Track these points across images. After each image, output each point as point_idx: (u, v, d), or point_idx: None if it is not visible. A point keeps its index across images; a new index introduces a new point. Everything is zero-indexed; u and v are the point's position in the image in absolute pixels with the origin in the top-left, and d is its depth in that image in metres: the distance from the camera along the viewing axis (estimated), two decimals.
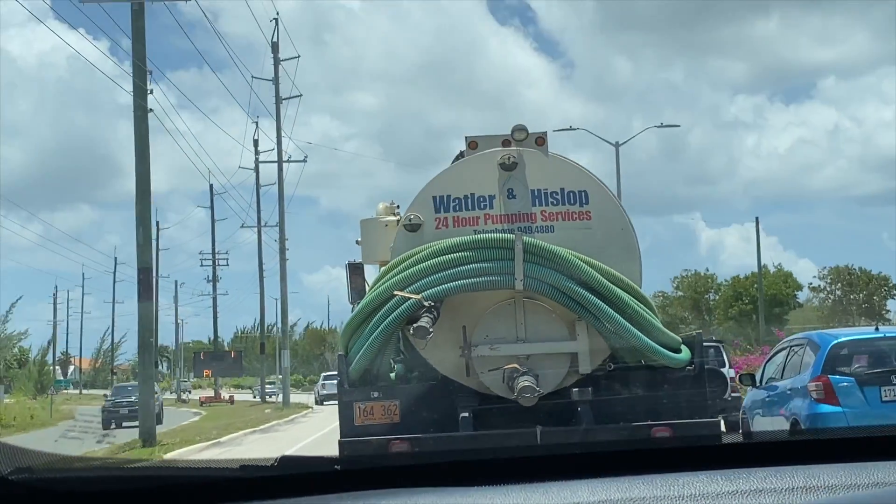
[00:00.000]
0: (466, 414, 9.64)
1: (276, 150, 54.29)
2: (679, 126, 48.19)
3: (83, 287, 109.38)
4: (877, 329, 15.52)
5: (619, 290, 9.72)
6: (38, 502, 1.87)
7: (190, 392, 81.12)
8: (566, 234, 9.96)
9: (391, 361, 10.22)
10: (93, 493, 1.94)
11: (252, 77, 51.98)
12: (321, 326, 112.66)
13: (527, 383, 9.29)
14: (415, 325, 9.34)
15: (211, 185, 71.63)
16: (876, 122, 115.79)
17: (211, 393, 70.42)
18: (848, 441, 2.28)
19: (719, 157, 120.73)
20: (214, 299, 74.48)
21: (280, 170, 53.50)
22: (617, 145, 42.42)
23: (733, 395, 22.17)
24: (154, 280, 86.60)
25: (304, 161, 56.35)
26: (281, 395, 63.17)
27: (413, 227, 10.08)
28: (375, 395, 9.83)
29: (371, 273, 12.26)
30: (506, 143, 10.27)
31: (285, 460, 2.07)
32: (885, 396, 13.25)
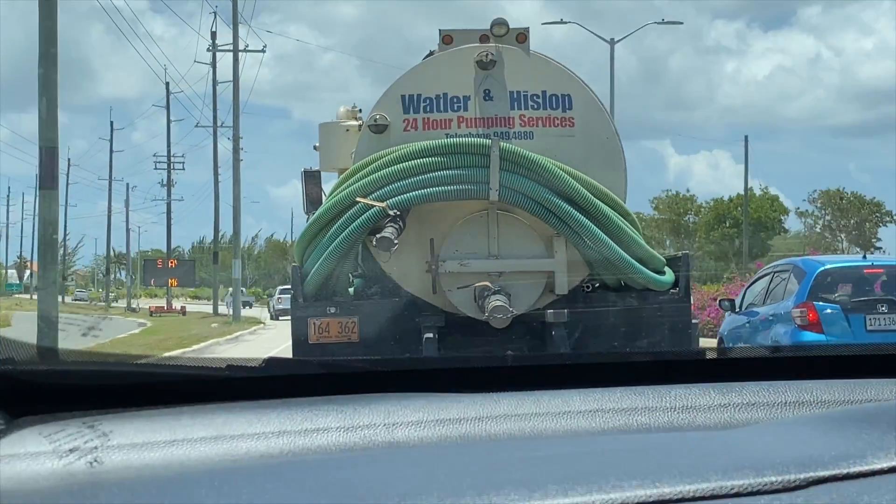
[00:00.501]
0: (431, 335, 8.87)
1: (233, 39, 49.57)
2: (682, 23, 44.09)
3: (36, 189, 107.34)
4: (864, 257, 15.18)
5: (602, 205, 8.90)
6: (20, 395, 1.84)
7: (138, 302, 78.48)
8: (547, 142, 9.09)
9: (350, 276, 9.39)
10: (77, 387, 1.94)
11: None
12: (284, 239, 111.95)
13: (499, 303, 8.50)
14: (378, 235, 8.52)
15: (167, 84, 66.22)
16: (855, 52, 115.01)
17: (163, 303, 67.77)
18: (840, 358, 2.26)
19: (697, 82, 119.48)
20: (168, 205, 71.33)
21: (235, 59, 47.78)
22: (612, 42, 38.59)
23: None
24: (109, 182, 79.79)
25: (263, 51, 52.52)
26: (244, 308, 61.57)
27: (379, 129, 9.17)
28: (332, 310, 9.02)
29: (329, 181, 11.41)
30: (484, 38, 9.34)
31: (272, 361, 2.08)
32: (871, 325, 12.91)
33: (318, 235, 9.06)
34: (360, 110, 11.33)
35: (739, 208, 65.99)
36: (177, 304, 66.57)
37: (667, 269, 9.42)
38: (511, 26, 9.37)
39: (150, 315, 58.92)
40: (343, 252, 8.87)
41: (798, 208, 75.56)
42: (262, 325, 45.01)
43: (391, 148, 8.99)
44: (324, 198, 10.95)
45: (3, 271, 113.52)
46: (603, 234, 8.77)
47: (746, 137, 56.43)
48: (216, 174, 60.02)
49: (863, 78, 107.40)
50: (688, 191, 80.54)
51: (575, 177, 8.85)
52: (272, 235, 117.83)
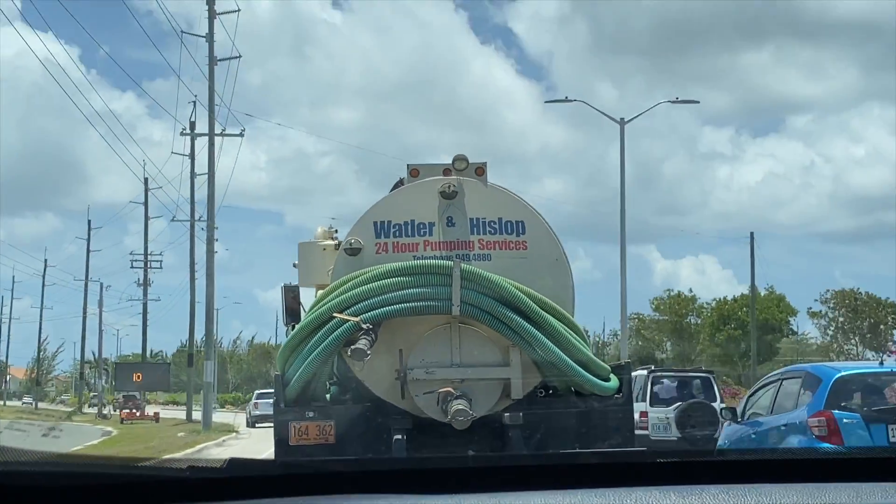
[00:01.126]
0: (400, 436, 9.85)
1: (211, 125, 44.26)
2: (698, 102, 41.35)
3: (12, 291, 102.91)
4: (881, 363, 14.48)
5: (551, 318, 10.00)
6: None
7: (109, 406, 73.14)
8: (503, 263, 10.24)
9: (327, 383, 10.42)
10: (44, 488, 1.93)
11: (182, 32, 43.06)
12: (268, 342, 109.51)
13: (460, 407, 9.53)
14: (353, 346, 9.55)
15: (146, 179, 61.89)
16: (846, 160, 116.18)
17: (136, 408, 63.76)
18: (795, 462, 2.22)
19: (690, 187, 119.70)
20: (144, 305, 67.99)
21: (211, 143, 43.14)
22: (622, 122, 36.19)
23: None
24: (85, 283, 76.34)
25: (241, 135, 47.20)
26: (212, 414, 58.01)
27: (353, 252, 10.31)
28: (311, 414, 10.02)
29: (307, 296, 12.47)
30: (447, 171, 10.55)
31: (234, 462, 2.08)
32: (893, 436, 12.25)
33: (299, 346, 10.13)
34: (336, 231, 12.47)
35: (745, 309, 63.26)
36: (152, 410, 63.58)
37: (612, 375, 10.49)
38: (471, 161, 10.60)
39: (121, 422, 55.18)
40: (321, 361, 9.93)
41: (810, 308, 70.60)
42: (234, 433, 41.40)
43: (364, 269, 10.13)
44: (302, 311, 12.03)
45: None
46: (551, 344, 9.87)
47: (752, 234, 54.77)
48: (192, 269, 56.64)
49: (854, 185, 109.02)
50: (690, 291, 75.91)
51: (527, 293, 9.98)
52: (253, 338, 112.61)
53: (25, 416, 65.76)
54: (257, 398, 50.13)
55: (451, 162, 10.54)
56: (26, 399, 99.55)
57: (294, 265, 12.67)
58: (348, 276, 10.14)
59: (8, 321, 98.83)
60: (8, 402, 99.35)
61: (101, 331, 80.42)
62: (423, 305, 9.90)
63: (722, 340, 66.51)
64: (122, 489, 1.96)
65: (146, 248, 66.96)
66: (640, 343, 74.68)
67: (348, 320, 9.77)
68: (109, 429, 49.56)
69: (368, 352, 9.51)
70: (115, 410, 66.48)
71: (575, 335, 10.19)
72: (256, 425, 45.88)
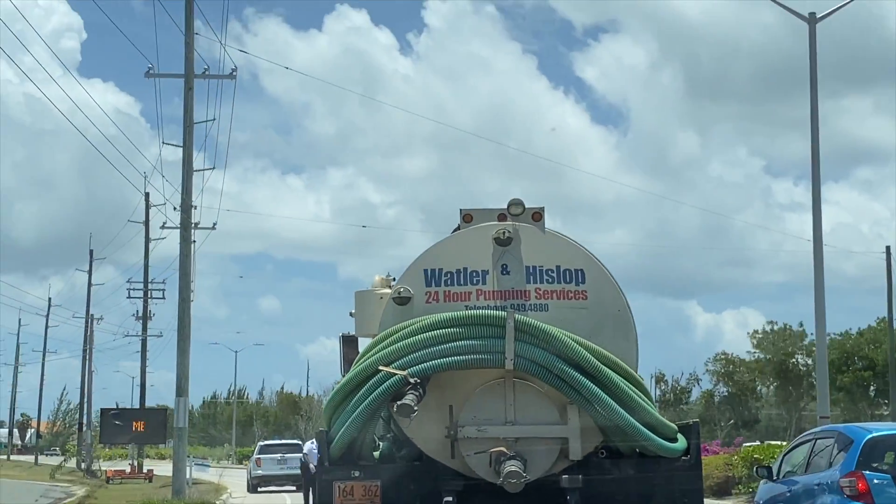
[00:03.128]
0: (450, 498, 9.25)
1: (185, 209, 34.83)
2: None
3: (18, 337, 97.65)
4: None
5: (613, 374, 9.37)
6: None
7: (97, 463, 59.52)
8: (561, 314, 9.64)
9: (375, 439, 9.81)
10: None
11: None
12: (300, 393, 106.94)
13: (514, 468, 8.91)
14: (399, 402, 8.96)
15: (146, 194, 51.96)
16: None
17: (127, 465, 52.81)
18: None
19: (760, 240, 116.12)
20: (144, 342, 56.64)
21: (187, 238, 31.67)
22: (812, 20, 28.63)
23: None
24: (86, 319, 64.00)
25: (213, 228, 39.59)
26: (214, 472, 47.81)
27: (402, 301, 9.74)
28: (356, 474, 9.44)
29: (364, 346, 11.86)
30: (501, 217, 9.99)
31: None
32: None
33: (344, 401, 9.54)
34: (394, 279, 11.91)
35: (872, 345, 55.16)
36: (153, 466, 53.14)
37: (679, 435, 9.83)
38: (528, 205, 10.02)
39: (107, 481, 44.60)
40: (366, 418, 9.34)
41: None
42: (222, 501, 30.59)
43: (413, 319, 9.53)
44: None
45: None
46: (613, 402, 9.21)
47: (888, 248, 45.38)
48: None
49: None
50: (801, 325, 62.55)
51: (586, 347, 9.35)
52: (282, 387, 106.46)
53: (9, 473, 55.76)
54: (260, 452, 38.95)
55: (506, 206, 9.96)
56: (48, 453, 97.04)
57: (351, 314, 12.13)
58: (396, 326, 9.57)
59: (40, 376, 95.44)
60: (13, 458, 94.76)
61: (87, 370, 65.74)
62: (474, 359, 9.30)
63: (847, 382, 56.09)
64: None
65: (146, 276, 54.79)
66: (732, 389, 65.88)
67: (395, 374, 9.17)
68: (75, 490, 39.72)
69: (416, 407, 8.91)
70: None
71: (639, 393, 9.52)
72: (259, 489, 36.27)
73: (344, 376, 12.08)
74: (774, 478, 14.70)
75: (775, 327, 62.89)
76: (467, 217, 10.14)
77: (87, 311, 65.14)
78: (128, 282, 56.94)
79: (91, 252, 66.35)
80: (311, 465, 23.34)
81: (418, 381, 9.16)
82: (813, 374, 55.85)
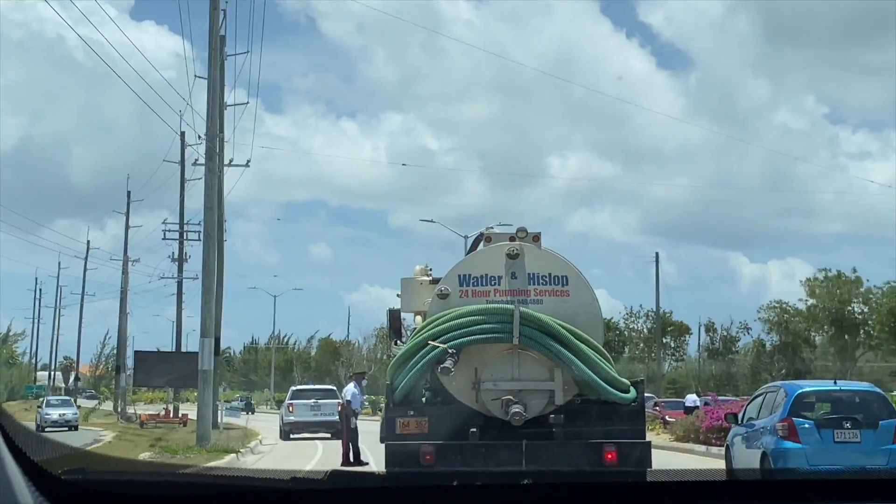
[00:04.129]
0: (475, 429, 13.82)
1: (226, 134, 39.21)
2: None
3: (58, 279, 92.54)
4: (835, 382, 19.32)
5: (584, 347, 13.92)
6: (88, 502, 1.87)
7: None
8: (551, 306, 14.17)
9: (423, 390, 14.43)
10: (144, 497, 1.96)
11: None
12: (342, 338, 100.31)
13: (517, 409, 13.47)
14: (442, 365, 13.53)
15: (182, 133, 52.91)
16: None
17: (161, 409, 52.53)
18: (813, 483, 2.49)
19: (823, 188, 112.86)
20: (179, 284, 55.30)
21: (220, 168, 34.96)
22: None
23: None
24: (124, 261, 63.41)
25: (247, 166, 41.56)
26: (241, 416, 48.43)
27: (444, 296, 14.32)
28: (411, 413, 14.02)
29: (405, 319, 16.59)
30: (512, 238, 14.51)
31: (335, 474, 2.20)
32: (838, 437, 16.55)
33: (403, 363, 14.14)
34: (431, 269, 16.52)
35: None
36: (179, 410, 51.70)
37: (632, 388, 14.36)
38: (531, 230, 14.55)
39: (141, 426, 44.85)
40: (420, 376, 13.94)
41: None
42: (250, 445, 29.35)
43: (451, 309, 14.13)
44: (403, 331, 16.02)
45: (34, 372, 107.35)
46: (583, 365, 13.77)
47: None
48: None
49: None
50: (854, 271, 62.43)
51: (566, 328, 13.89)
52: (329, 336, 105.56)
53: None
54: (292, 398, 37.44)
55: (515, 231, 14.52)
56: (87, 396, 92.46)
57: (397, 295, 16.71)
58: (440, 314, 14.14)
59: (79, 319, 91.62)
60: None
61: (123, 313, 65.03)
62: (492, 337, 13.85)
63: None
64: (224, 498, 2.01)
65: (181, 216, 52.97)
66: (784, 338, 66.54)
67: (439, 347, 13.76)
68: (106, 434, 41.69)
69: (453, 370, 13.48)
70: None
71: (602, 359, 14.09)
72: (292, 436, 35.53)
73: (391, 340, 16.51)
74: (739, 422, 19.22)
75: (829, 275, 62.07)
76: (488, 238, 14.70)
77: (125, 252, 65.08)
78: (163, 223, 56.58)
79: (129, 194, 65.58)
80: (354, 414, 23.32)
81: (454, 352, 13.72)
82: (869, 322, 58.60)
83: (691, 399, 45.10)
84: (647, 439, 14.21)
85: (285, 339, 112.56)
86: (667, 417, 39.48)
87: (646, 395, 16.81)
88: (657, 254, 71.60)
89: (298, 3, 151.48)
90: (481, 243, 15.05)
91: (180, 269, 54.58)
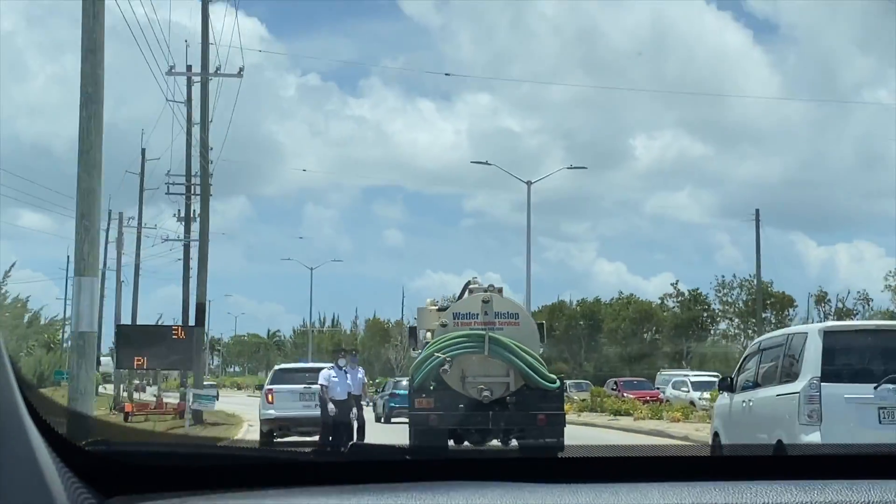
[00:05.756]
0: (462, 405, 23.30)
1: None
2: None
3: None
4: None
5: (528, 356, 23.35)
6: (112, 475, 1.87)
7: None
8: (508, 332, 23.56)
9: (431, 382, 23.95)
10: (167, 468, 1.97)
11: None
12: (392, 320, 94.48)
13: (486, 393, 22.95)
14: (442, 367, 23.04)
15: (143, 150, 48.78)
16: None
17: (155, 397, 45.83)
18: (836, 458, 2.39)
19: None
20: (186, 247, 44.87)
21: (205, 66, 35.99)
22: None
23: None
24: (138, 227, 56.30)
25: (240, 76, 37.45)
26: (214, 403, 34.03)
27: (444, 325, 23.81)
28: (424, 395, 23.49)
29: (420, 333, 26.36)
30: (487, 289, 24.03)
31: (356, 447, 2.26)
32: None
33: (420, 365, 23.58)
34: (438, 301, 26.16)
35: None
36: (170, 398, 44.75)
37: (557, 379, 23.79)
38: (498, 284, 24.06)
39: (125, 418, 36.48)
40: (430, 373, 23.40)
41: None
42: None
43: (449, 333, 23.58)
44: (418, 341, 25.73)
45: (65, 355, 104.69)
46: (526, 368, 23.15)
47: None
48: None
49: None
50: None
51: (517, 345, 23.24)
52: (374, 315, 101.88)
53: None
54: (274, 381, 27.78)
55: (486, 287, 24.08)
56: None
57: (414, 318, 26.29)
58: (442, 336, 23.56)
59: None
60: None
61: (119, 280, 55.14)
62: (472, 350, 23.22)
63: None
64: (246, 471, 2.03)
65: (188, 168, 41.93)
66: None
67: (439, 357, 23.24)
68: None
69: (449, 370, 23.00)
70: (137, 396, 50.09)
71: (538, 363, 23.51)
72: (276, 439, 26.46)
73: (411, 347, 25.97)
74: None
75: None
76: (472, 290, 24.27)
77: (140, 215, 57.13)
78: (166, 174, 43.79)
79: (143, 151, 56.91)
80: (330, 402, 23.42)
81: (450, 359, 23.13)
82: None
83: None
84: (564, 412, 23.75)
85: (336, 322, 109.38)
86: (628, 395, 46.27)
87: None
88: (757, 211, 63.69)
89: None
90: (466, 292, 24.63)
91: (187, 230, 44.57)
